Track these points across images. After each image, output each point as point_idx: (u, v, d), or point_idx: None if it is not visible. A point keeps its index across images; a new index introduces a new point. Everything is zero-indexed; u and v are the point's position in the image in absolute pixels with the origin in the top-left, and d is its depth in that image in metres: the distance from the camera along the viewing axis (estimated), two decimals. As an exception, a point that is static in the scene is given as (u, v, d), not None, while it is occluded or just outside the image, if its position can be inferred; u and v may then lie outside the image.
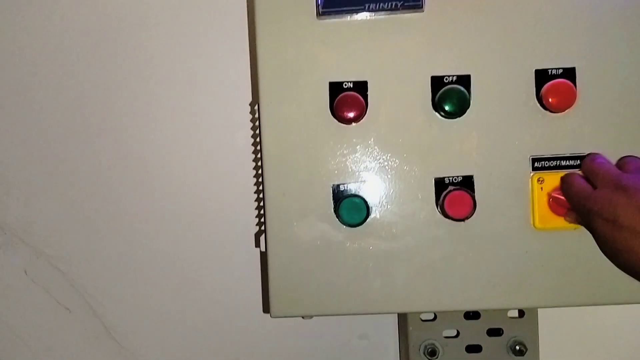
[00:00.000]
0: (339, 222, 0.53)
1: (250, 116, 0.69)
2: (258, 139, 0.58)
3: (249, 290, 0.78)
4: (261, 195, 0.59)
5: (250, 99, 0.73)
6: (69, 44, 0.79)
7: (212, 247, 0.79)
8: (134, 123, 0.79)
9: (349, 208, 0.53)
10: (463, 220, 0.52)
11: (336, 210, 0.53)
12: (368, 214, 0.53)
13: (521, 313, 0.67)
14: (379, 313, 0.55)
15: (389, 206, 0.53)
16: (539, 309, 0.67)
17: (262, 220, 0.59)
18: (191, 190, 0.79)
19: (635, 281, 0.51)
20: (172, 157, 0.78)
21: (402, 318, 0.71)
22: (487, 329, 0.67)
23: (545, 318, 0.68)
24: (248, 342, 0.81)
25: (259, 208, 0.65)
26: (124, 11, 0.80)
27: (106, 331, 0.82)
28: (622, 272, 0.48)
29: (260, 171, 0.56)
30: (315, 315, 0.56)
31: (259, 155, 0.58)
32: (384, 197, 0.54)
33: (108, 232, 0.81)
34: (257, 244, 0.73)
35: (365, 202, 0.53)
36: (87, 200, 0.81)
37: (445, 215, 0.53)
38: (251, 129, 0.62)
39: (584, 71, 0.52)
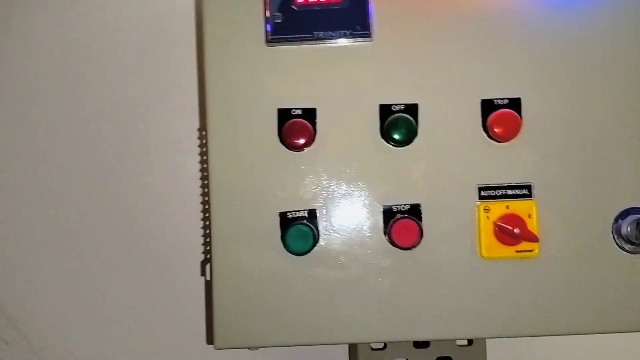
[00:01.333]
0: (285, 250, 0.52)
1: (199, 142, 0.69)
2: (205, 165, 0.57)
3: (192, 320, 0.77)
4: (207, 223, 0.58)
5: (198, 125, 0.72)
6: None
7: (156, 276, 0.78)
8: (80, 145, 0.78)
9: (296, 236, 0.52)
10: (410, 249, 0.52)
11: (283, 238, 0.53)
12: (315, 242, 0.52)
13: (470, 341, 0.67)
14: (327, 344, 0.54)
15: (337, 234, 0.53)
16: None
17: (208, 248, 0.58)
18: (136, 216, 0.78)
19: (584, 312, 0.52)
20: (118, 181, 0.77)
21: (353, 348, 0.70)
22: (436, 357, 0.67)
23: (493, 346, 0.68)
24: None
25: (205, 236, 0.64)
26: (71, 36, 0.79)
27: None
28: (570, 302, 0.49)
29: (207, 197, 0.55)
30: (262, 347, 0.54)
31: (206, 182, 0.57)
32: (331, 225, 0.53)
33: (46, 258, 0.79)
34: (203, 273, 0.72)
35: (313, 230, 0.52)
36: (27, 224, 0.79)
37: (393, 244, 0.52)
38: (199, 154, 0.61)
39: (529, 101, 0.53)
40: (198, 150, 0.64)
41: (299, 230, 0.52)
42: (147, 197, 0.77)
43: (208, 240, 0.58)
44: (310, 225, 0.53)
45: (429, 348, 0.67)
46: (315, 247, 0.53)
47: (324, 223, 0.53)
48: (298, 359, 0.77)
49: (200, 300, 0.77)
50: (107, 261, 0.78)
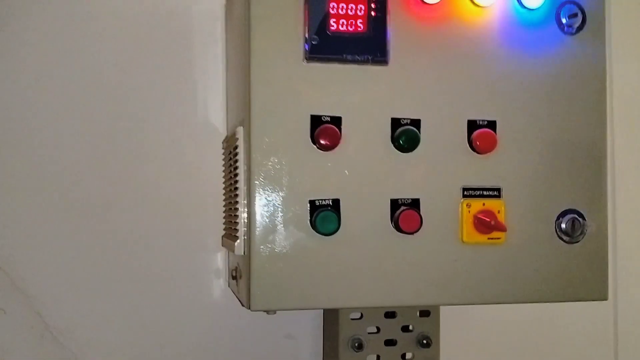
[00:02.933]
0: (314, 231, 0.64)
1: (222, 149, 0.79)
2: (234, 161, 0.67)
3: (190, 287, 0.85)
4: (237, 206, 0.68)
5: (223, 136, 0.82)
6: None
7: (168, 249, 0.86)
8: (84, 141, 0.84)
9: (323, 220, 0.64)
10: (412, 233, 0.66)
11: (312, 221, 0.64)
12: (338, 226, 0.65)
13: (427, 313, 0.82)
14: (342, 307, 0.66)
15: (354, 220, 0.65)
16: (440, 310, 0.82)
17: (237, 227, 0.68)
18: (158, 195, 0.86)
19: (534, 285, 0.68)
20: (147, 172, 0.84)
21: (331, 317, 0.82)
22: (401, 326, 0.81)
23: (445, 315, 0.83)
24: (184, 339, 0.87)
25: (230, 217, 0.73)
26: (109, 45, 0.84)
27: (49, 332, 0.83)
28: (526, 278, 0.65)
29: (245, 187, 0.65)
30: (286, 309, 0.66)
31: (235, 174, 0.67)
32: (351, 212, 0.65)
33: (52, 232, 0.84)
34: (223, 244, 0.81)
35: (336, 215, 0.65)
36: (33, 198, 0.83)
37: (398, 230, 0.66)
38: (228, 153, 0.71)
39: (502, 123, 0.69)
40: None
41: (325, 215, 0.64)
42: (181, 188, 0.85)
43: (236, 221, 0.68)
44: (334, 211, 0.65)
45: (395, 318, 0.81)
46: (339, 230, 0.65)
47: (345, 210, 0.65)
48: (280, 322, 0.89)
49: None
50: (112, 231, 0.85)
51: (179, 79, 0.89)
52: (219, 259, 0.89)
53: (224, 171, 0.82)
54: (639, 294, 1.03)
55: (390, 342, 0.80)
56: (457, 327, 0.92)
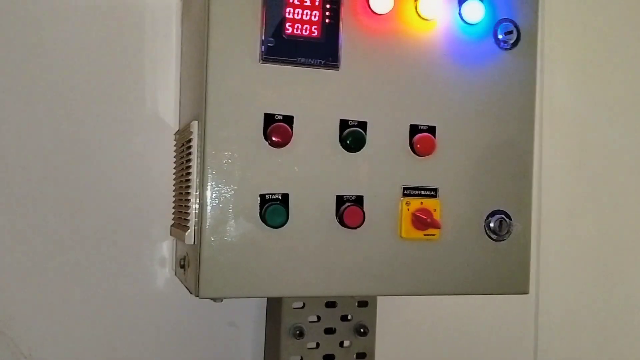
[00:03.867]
0: (263, 224, 0.68)
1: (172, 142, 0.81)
2: (188, 154, 0.70)
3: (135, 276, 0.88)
4: (188, 197, 0.71)
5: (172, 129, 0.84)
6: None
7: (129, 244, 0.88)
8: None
9: (272, 213, 0.68)
10: (355, 228, 0.71)
11: (262, 214, 0.68)
12: (287, 219, 0.68)
13: (364, 303, 0.87)
14: (287, 296, 0.70)
15: (302, 214, 0.69)
16: (378, 301, 0.87)
17: (188, 218, 0.70)
18: (103, 187, 0.87)
19: (464, 278, 0.74)
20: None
21: (275, 306, 0.86)
22: (340, 315, 0.86)
23: (381, 307, 0.89)
24: (128, 327, 0.89)
25: (179, 207, 0.76)
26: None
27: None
28: (456, 272, 0.71)
29: (197, 179, 0.68)
30: (233, 297, 0.69)
31: (189, 166, 0.70)
32: (299, 207, 0.69)
33: (12, 235, 0.84)
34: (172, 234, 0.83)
35: (285, 208, 0.68)
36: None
37: (342, 224, 0.70)
38: (180, 145, 0.74)
39: (441, 129, 0.74)
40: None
41: (275, 208, 0.68)
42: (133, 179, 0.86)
43: (187, 212, 0.71)
44: (283, 205, 0.69)
45: (335, 308, 0.86)
46: (287, 223, 0.68)
47: (294, 204, 0.69)
48: (223, 311, 0.92)
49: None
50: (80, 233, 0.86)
51: (128, 72, 0.90)
52: (165, 248, 0.91)
53: (175, 163, 0.84)
54: (559, 289, 1.12)
55: (329, 331, 0.85)
56: (393, 318, 0.98)
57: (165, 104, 0.91)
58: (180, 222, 0.77)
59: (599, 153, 1.14)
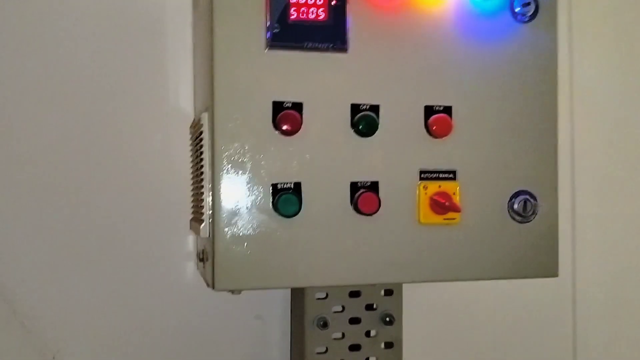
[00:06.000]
0: (276, 213, 0.67)
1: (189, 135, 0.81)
2: (202, 149, 0.69)
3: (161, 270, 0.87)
4: (202, 190, 0.70)
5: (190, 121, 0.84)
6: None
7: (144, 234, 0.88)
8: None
9: (285, 202, 0.67)
10: (371, 215, 0.69)
11: (274, 204, 0.67)
12: (299, 208, 0.67)
13: (390, 292, 0.85)
14: (304, 286, 0.69)
15: (315, 202, 0.68)
16: (403, 289, 0.85)
17: (202, 210, 0.70)
18: (130, 179, 0.87)
19: (488, 263, 0.71)
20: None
21: (298, 297, 0.85)
22: (365, 304, 0.84)
23: (407, 295, 0.87)
24: (155, 321, 0.90)
25: (197, 200, 0.76)
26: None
27: (15, 317, 0.85)
28: (479, 257, 0.68)
29: (209, 171, 0.67)
30: (250, 289, 0.68)
31: (202, 163, 0.69)
32: (312, 195, 0.68)
33: (21, 218, 0.85)
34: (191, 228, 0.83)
35: (298, 198, 0.67)
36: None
37: (358, 211, 0.69)
38: (194, 137, 0.73)
39: (458, 109, 0.72)
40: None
41: (287, 198, 0.67)
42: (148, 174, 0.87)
43: (202, 204, 0.71)
44: (296, 194, 0.67)
45: (360, 297, 0.84)
46: (300, 212, 0.67)
47: (306, 193, 0.68)
48: (249, 304, 0.91)
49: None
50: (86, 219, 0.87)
51: (152, 66, 0.90)
52: (190, 243, 0.91)
53: (191, 156, 0.84)
54: (597, 271, 1.07)
55: (354, 321, 0.83)
56: (419, 306, 0.96)
57: (187, 97, 0.91)
58: (196, 215, 0.77)
59: (634, 130, 1.09)
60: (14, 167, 0.85)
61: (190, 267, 0.91)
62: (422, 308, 0.98)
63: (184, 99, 0.91)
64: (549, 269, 0.75)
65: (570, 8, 1.06)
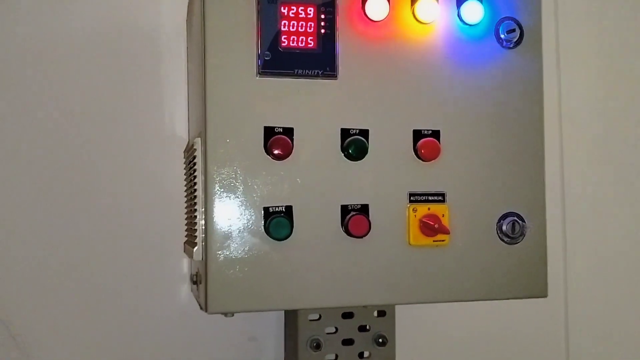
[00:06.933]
0: (268, 236, 0.68)
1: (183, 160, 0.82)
2: (193, 170, 0.71)
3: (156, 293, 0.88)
4: (195, 214, 0.71)
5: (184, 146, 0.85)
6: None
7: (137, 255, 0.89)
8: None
9: (276, 225, 0.68)
10: (361, 237, 0.70)
11: (266, 227, 0.68)
12: (291, 231, 0.68)
13: (383, 313, 0.86)
14: (297, 309, 0.70)
15: (307, 225, 0.69)
16: (396, 310, 0.86)
17: (196, 234, 0.71)
18: (126, 204, 0.89)
19: (476, 284, 0.72)
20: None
21: (291, 319, 0.86)
22: (358, 325, 0.84)
23: (400, 317, 0.87)
24: (151, 344, 0.90)
25: (190, 224, 0.77)
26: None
27: (12, 341, 0.85)
28: (467, 277, 0.70)
29: (202, 195, 0.68)
30: (242, 312, 0.69)
31: (194, 183, 0.71)
32: (303, 218, 0.69)
33: (17, 240, 0.86)
34: (184, 251, 0.84)
35: (289, 221, 0.68)
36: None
37: (348, 234, 0.70)
38: (188, 162, 0.75)
39: (446, 133, 0.73)
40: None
41: (278, 221, 0.68)
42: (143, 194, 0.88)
43: (195, 228, 0.72)
44: (287, 217, 0.69)
45: (353, 318, 0.85)
46: (291, 235, 0.68)
47: (298, 216, 0.69)
48: (244, 326, 0.92)
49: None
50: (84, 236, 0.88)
51: (147, 92, 0.92)
52: (184, 265, 0.92)
53: (185, 180, 0.85)
54: (589, 290, 1.08)
55: (348, 342, 0.84)
56: (412, 326, 0.96)
57: (182, 122, 0.92)
58: (190, 238, 0.78)
59: (622, 149, 1.11)
60: (7, 189, 0.86)
61: (185, 289, 0.92)
62: (415, 329, 0.98)
63: (179, 124, 0.93)
64: (539, 289, 0.76)
65: (557, 30, 1.08)
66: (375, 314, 0.85)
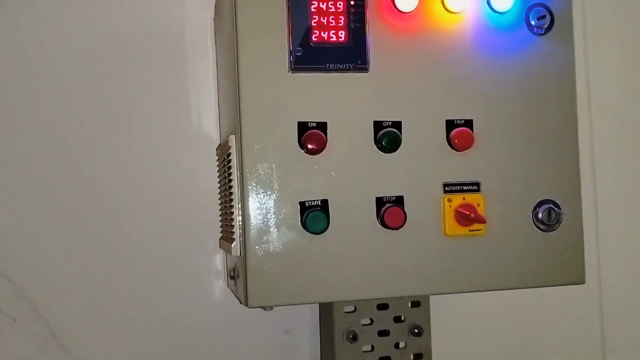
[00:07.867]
0: (304, 230, 0.68)
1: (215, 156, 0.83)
2: (228, 168, 0.71)
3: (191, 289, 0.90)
4: (232, 210, 0.72)
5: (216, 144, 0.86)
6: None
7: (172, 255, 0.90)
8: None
9: (312, 220, 0.68)
10: (397, 229, 0.70)
11: (303, 222, 0.69)
12: (327, 225, 0.69)
13: (417, 303, 0.86)
14: (335, 301, 0.70)
15: (343, 218, 0.70)
16: (430, 301, 0.86)
17: (233, 230, 0.72)
18: (158, 202, 0.90)
19: (514, 272, 0.72)
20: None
21: (326, 311, 0.87)
22: (393, 316, 0.85)
23: (435, 306, 0.88)
24: (187, 339, 0.91)
25: (226, 220, 0.78)
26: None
27: (53, 338, 0.87)
28: (505, 266, 0.70)
29: (238, 191, 0.69)
30: (281, 305, 0.70)
31: (230, 180, 0.71)
32: (339, 211, 0.70)
33: (54, 239, 0.88)
34: (221, 247, 0.85)
35: (326, 214, 0.69)
36: (35, 206, 0.87)
37: (384, 226, 0.70)
38: (222, 160, 0.75)
39: (479, 122, 0.73)
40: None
41: (315, 215, 0.68)
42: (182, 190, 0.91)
43: (232, 224, 0.73)
44: (323, 211, 0.69)
45: (388, 310, 0.85)
46: (328, 229, 0.69)
47: (334, 209, 0.70)
48: (279, 319, 0.93)
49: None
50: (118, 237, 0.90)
51: (174, 91, 0.93)
52: (218, 261, 0.93)
53: (218, 177, 0.86)
54: (622, 276, 1.07)
55: (383, 333, 0.84)
56: (447, 317, 0.97)
57: (209, 120, 0.93)
58: (226, 234, 0.79)
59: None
60: (43, 190, 0.88)
61: (219, 284, 0.93)
62: (450, 318, 0.98)
63: (206, 122, 0.93)
64: (576, 276, 0.75)
65: (584, 18, 1.07)
66: (410, 304, 0.85)
